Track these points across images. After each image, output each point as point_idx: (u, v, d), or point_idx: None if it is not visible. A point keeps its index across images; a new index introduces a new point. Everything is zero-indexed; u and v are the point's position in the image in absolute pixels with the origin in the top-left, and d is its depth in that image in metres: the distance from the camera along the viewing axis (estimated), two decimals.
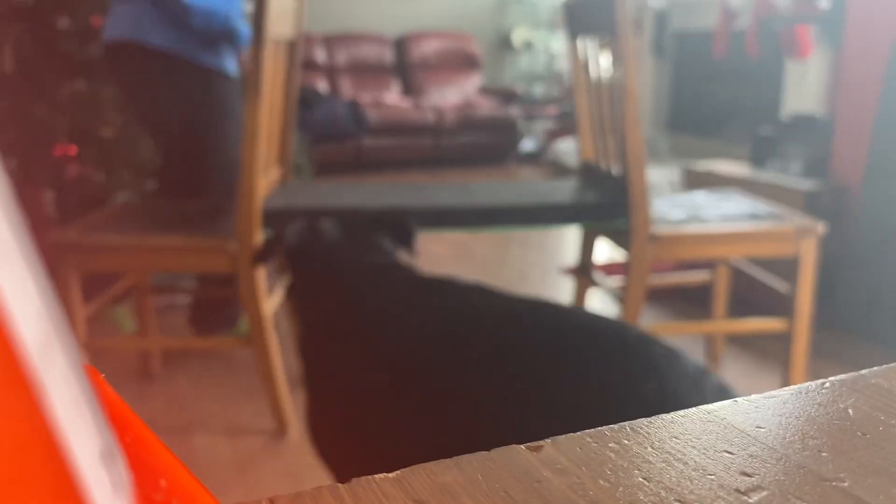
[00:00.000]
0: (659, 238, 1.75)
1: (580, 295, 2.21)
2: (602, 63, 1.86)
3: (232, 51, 2.14)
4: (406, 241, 1.24)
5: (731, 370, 2.22)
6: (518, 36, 7.03)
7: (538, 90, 7.06)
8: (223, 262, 1.71)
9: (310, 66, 5.81)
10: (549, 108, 6.75)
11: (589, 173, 2.08)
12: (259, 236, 1.69)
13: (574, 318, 0.92)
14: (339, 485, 0.30)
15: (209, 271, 2.02)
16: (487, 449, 0.33)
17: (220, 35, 2.02)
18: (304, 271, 1.13)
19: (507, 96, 6.31)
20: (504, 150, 6.27)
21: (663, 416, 0.35)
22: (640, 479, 0.30)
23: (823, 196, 2.55)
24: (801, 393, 0.38)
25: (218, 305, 2.24)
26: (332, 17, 6.16)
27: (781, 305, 1.95)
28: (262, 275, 1.72)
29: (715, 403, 0.36)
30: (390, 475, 0.30)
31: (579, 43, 2.01)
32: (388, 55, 6.26)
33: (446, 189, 1.96)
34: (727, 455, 0.32)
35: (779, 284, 2.00)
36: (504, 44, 7.23)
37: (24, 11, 2.54)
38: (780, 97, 4.39)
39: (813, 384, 0.38)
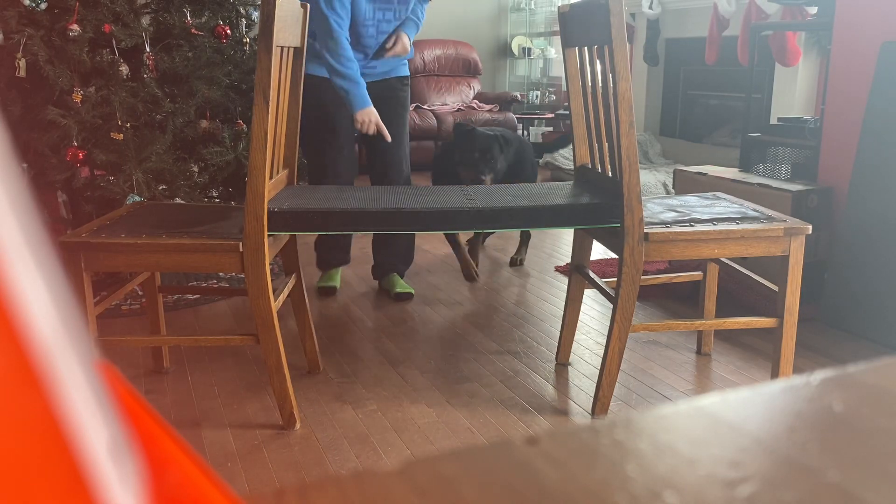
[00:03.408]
0: (651, 239, 1.82)
1: (575, 293, 2.28)
2: (596, 70, 1.94)
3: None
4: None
5: (720, 366, 2.29)
6: (516, 44, 7.12)
7: (535, 96, 7.15)
8: (232, 263, 1.78)
9: None
10: (546, 113, 6.83)
11: (584, 176, 2.15)
12: (266, 237, 1.76)
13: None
14: (344, 476, 0.31)
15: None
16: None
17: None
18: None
19: (506, 102, 6.41)
20: None
21: (655, 410, 0.36)
22: (633, 472, 0.31)
23: (811, 197, 2.62)
24: (788, 388, 0.38)
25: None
26: None
27: (770, 303, 2.02)
28: (268, 275, 1.79)
29: (705, 398, 0.37)
30: (393, 468, 0.31)
31: (575, 51, 2.09)
32: None
33: (446, 191, 2.03)
34: (717, 448, 0.33)
35: (768, 283, 2.07)
36: (503, 52, 7.32)
37: (38, 18, 2.61)
38: (770, 102, 4.46)
39: (800, 380, 0.39)
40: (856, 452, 0.32)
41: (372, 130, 2.64)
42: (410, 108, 6.07)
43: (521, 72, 7.34)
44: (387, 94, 2.82)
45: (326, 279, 2.97)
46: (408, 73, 2.91)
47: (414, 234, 3.06)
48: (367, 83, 2.71)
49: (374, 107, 2.82)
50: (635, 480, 0.30)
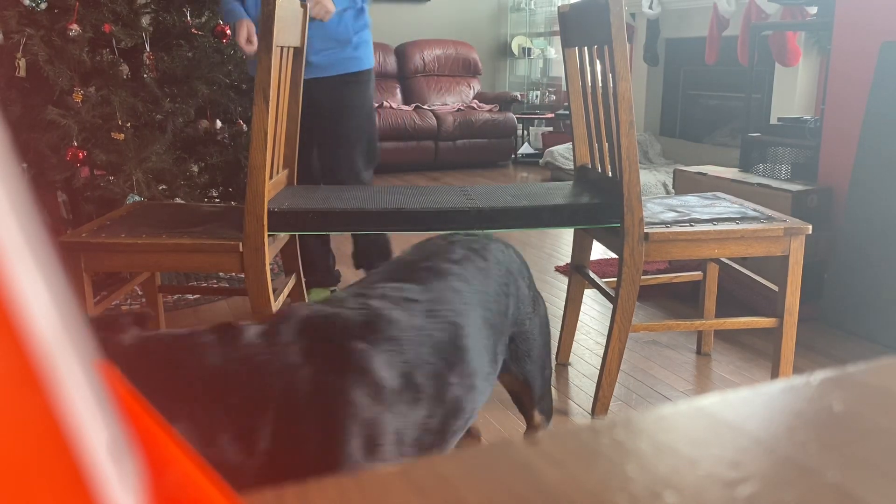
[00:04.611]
0: (651, 239, 1.82)
1: (575, 293, 2.28)
2: (596, 70, 1.93)
3: None
4: None
5: (720, 366, 2.29)
6: (516, 44, 7.13)
7: (535, 96, 7.15)
8: (232, 263, 1.77)
9: None
10: (546, 113, 6.84)
11: (584, 176, 2.15)
12: (266, 237, 1.76)
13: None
14: (344, 477, 0.31)
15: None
16: None
17: None
18: None
19: (506, 102, 6.41)
20: (502, 153, 6.37)
21: (655, 410, 0.36)
22: (633, 472, 0.31)
23: (811, 197, 2.62)
24: (788, 388, 0.38)
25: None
26: None
27: (770, 303, 2.02)
28: (269, 275, 1.79)
29: (705, 398, 0.37)
30: (394, 468, 0.31)
31: (575, 51, 2.09)
32: (390, 63, 6.40)
33: (446, 192, 2.02)
34: (717, 448, 0.33)
35: (768, 283, 2.07)
36: (503, 51, 7.32)
37: (38, 18, 2.61)
38: (770, 101, 4.46)
39: (800, 380, 0.39)
40: (856, 452, 0.32)
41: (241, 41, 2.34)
42: (410, 108, 6.09)
43: (521, 72, 7.34)
44: (323, 96, 2.49)
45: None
46: (362, 68, 2.50)
47: (387, 235, 2.63)
48: (308, 79, 2.35)
49: (315, 111, 2.46)
50: (635, 480, 0.30)
